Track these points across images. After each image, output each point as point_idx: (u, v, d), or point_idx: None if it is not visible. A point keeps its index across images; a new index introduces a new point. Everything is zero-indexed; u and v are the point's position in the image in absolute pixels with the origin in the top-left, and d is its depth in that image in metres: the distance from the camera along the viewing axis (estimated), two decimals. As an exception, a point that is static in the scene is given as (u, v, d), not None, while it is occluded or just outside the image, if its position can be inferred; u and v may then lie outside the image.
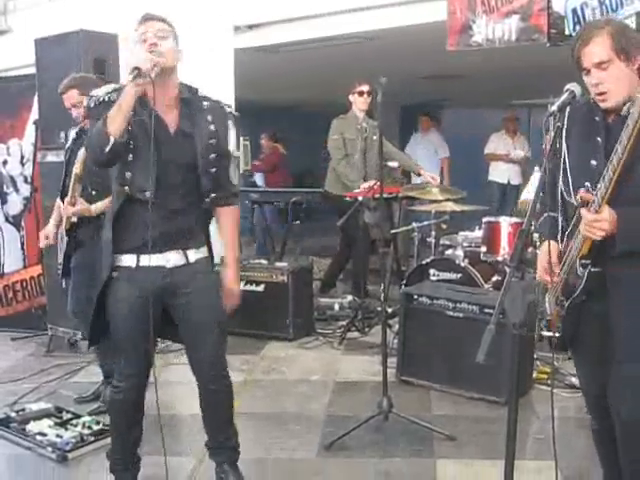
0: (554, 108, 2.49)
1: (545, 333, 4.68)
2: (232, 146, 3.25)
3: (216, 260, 3.40)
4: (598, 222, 2.46)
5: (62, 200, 4.49)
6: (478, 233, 6.18)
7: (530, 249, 4.77)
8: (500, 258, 5.79)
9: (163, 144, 3.04)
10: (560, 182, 2.73)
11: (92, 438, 4.03)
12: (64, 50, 5.40)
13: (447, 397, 4.69)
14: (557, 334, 2.83)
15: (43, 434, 4.07)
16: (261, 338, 6.01)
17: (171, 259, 3.15)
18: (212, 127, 3.12)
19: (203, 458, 3.76)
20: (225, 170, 3.19)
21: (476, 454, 3.89)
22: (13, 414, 4.33)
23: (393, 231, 6.68)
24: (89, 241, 4.48)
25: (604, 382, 2.70)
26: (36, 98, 5.77)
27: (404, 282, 5.89)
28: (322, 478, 3.73)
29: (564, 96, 2.54)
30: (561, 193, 2.74)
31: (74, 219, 4.44)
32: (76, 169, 4.28)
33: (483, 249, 5.88)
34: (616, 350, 2.62)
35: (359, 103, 6.77)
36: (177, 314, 3.24)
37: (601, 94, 2.55)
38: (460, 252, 5.99)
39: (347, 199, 6.36)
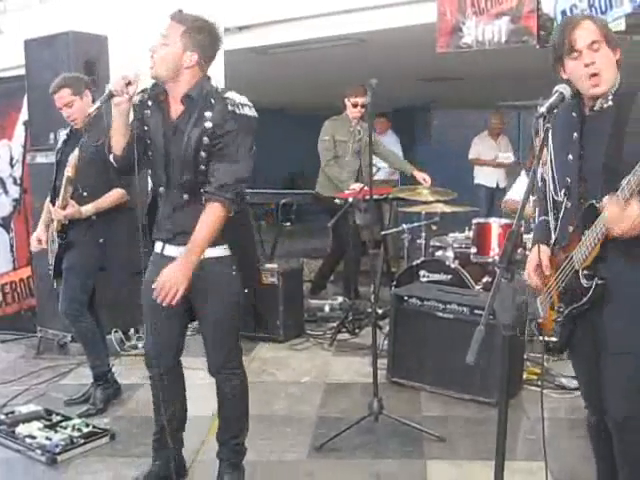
0: (543, 110, 2.50)
1: (541, 338, 4.68)
2: (237, 146, 3.09)
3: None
4: (621, 218, 2.41)
5: (53, 202, 4.47)
6: (468, 234, 6.19)
7: (520, 250, 4.77)
8: (490, 259, 5.80)
9: (168, 141, 3.16)
10: (549, 181, 2.75)
11: (82, 440, 4.01)
12: (54, 51, 5.39)
13: (437, 398, 4.70)
14: (554, 338, 2.83)
15: (32, 437, 4.04)
16: (251, 340, 5.99)
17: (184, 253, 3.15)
18: (208, 124, 3.07)
19: (195, 457, 3.76)
20: (215, 168, 3.09)
21: (466, 455, 3.89)
22: (2, 417, 4.31)
23: (383, 232, 6.70)
24: (80, 242, 4.48)
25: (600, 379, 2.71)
26: (25, 99, 5.76)
27: (394, 283, 5.89)
28: (313, 480, 3.73)
29: (553, 98, 2.55)
30: (550, 193, 2.76)
31: (65, 221, 4.43)
32: (68, 172, 4.25)
33: (473, 250, 5.89)
34: (608, 343, 2.63)
35: (352, 112, 6.78)
36: (194, 308, 3.32)
37: (594, 75, 2.55)
38: (450, 253, 6.00)
39: (337, 200, 6.36)
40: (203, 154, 3.09)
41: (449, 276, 5.72)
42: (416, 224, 6.37)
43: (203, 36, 3.09)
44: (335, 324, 6.32)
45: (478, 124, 11.03)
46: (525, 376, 4.84)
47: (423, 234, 6.24)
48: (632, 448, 2.69)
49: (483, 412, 4.42)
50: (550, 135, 2.58)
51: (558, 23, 5.41)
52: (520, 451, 3.93)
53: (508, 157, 9.53)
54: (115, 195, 4.46)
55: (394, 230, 6.64)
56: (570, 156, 2.67)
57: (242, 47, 7.32)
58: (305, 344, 6.05)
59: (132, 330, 5.97)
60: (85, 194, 4.42)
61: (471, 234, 6.04)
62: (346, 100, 6.80)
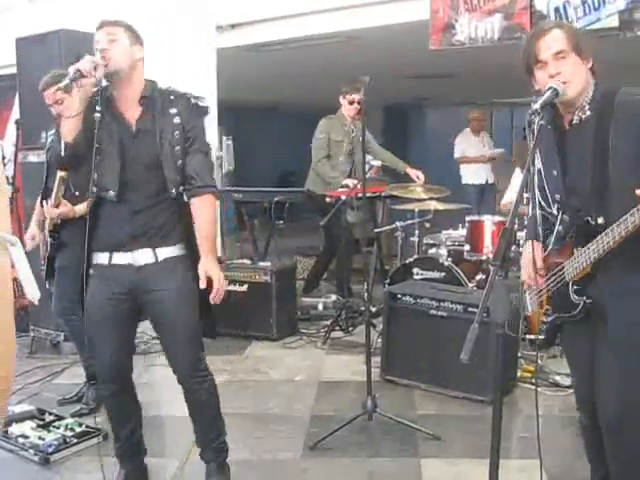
0: (537, 106, 2.48)
1: (528, 336, 4.69)
2: (204, 137, 3.24)
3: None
4: None
5: (44, 200, 4.45)
6: (462, 232, 6.19)
7: (513, 247, 4.77)
8: (484, 257, 5.80)
9: (126, 144, 3.12)
10: (537, 194, 2.75)
11: (75, 440, 4.00)
12: (45, 50, 5.37)
13: (431, 396, 4.69)
14: (540, 336, 2.84)
15: (25, 436, 4.03)
16: (244, 338, 5.99)
17: (140, 258, 3.16)
18: (176, 119, 3.12)
19: (186, 460, 3.75)
20: (194, 162, 3.15)
21: (461, 453, 3.89)
22: (-5, 417, 4.30)
23: (376, 230, 6.69)
24: (72, 242, 4.45)
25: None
26: (17, 98, 5.73)
27: (388, 281, 5.89)
28: (307, 478, 3.71)
29: (547, 94, 2.52)
30: (540, 204, 2.76)
31: (57, 220, 4.41)
32: (61, 172, 4.23)
33: (467, 248, 5.89)
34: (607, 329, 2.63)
35: (348, 110, 6.78)
36: (150, 312, 3.26)
37: (562, 84, 2.53)
38: (444, 251, 6.00)
39: (329, 199, 6.35)
40: (177, 148, 3.12)
41: (442, 274, 5.72)
42: (409, 222, 6.36)
43: (137, 33, 3.18)
44: (328, 322, 6.31)
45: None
46: (519, 374, 4.84)
47: (416, 232, 6.25)
48: (624, 450, 2.68)
49: (477, 410, 4.41)
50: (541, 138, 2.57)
51: (551, 20, 5.42)
52: (515, 449, 3.92)
53: (497, 151, 9.54)
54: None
55: (387, 228, 6.64)
56: (554, 172, 2.68)
57: (234, 45, 7.31)
58: (298, 342, 6.05)
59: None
60: (77, 194, 4.39)
61: (464, 232, 6.04)
62: (341, 98, 6.80)
